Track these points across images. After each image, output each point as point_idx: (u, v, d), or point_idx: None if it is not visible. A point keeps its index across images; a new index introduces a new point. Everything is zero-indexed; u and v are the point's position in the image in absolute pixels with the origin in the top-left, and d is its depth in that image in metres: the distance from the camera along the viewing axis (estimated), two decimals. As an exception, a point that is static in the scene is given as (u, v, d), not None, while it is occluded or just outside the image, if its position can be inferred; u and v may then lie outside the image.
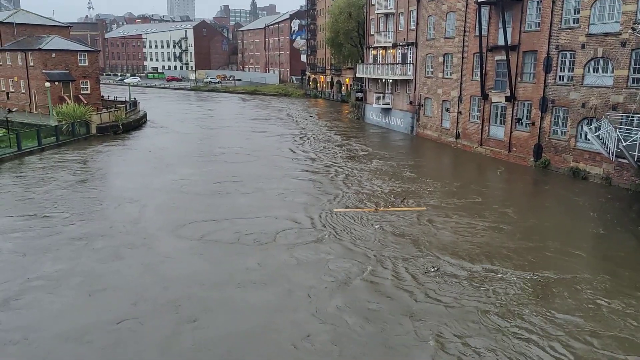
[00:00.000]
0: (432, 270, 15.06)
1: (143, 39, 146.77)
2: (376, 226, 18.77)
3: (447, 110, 38.30)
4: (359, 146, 37.39)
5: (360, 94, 55.66)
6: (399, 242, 17.36)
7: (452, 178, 28.27)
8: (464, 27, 35.34)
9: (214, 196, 23.25)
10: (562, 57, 27.67)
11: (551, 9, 27.79)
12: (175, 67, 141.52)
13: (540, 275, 14.85)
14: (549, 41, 28.11)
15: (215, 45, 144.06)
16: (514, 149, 31.49)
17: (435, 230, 18.62)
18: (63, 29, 57.02)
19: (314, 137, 41.34)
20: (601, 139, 21.06)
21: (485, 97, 33.44)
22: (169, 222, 19.38)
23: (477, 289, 13.97)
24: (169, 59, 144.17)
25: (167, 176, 26.95)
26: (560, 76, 27.93)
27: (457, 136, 37.11)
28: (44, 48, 48.10)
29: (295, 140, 39.31)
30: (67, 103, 44.20)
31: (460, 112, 36.55)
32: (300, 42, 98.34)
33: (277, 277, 14.65)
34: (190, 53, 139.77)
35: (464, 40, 35.52)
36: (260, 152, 34.30)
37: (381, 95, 48.77)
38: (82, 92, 50.04)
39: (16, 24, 53.68)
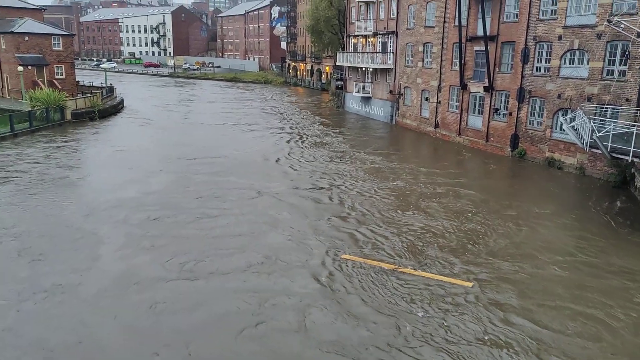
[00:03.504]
0: None
1: (119, 23, 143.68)
2: (420, 314, 12.56)
3: (427, 99, 38.53)
4: (341, 140, 36.27)
5: (340, 83, 55.59)
6: None
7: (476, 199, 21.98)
8: (444, 17, 35.48)
9: (197, 232, 17.76)
10: (539, 48, 28.02)
11: (529, 0, 28.08)
12: (153, 53, 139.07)
13: None
14: (526, 32, 28.42)
15: (194, 31, 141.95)
16: (492, 138, 31.89)
17: (530, 332, 11.86)
18: (36, 12, 55.29)
19: (297, 132, 39.53)
20: (576, 130, 21.45)
21: (464, 87, 33.71)
22: (133, 277, 14.35)
23: None
24: (146, 45, 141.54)
25: (140, 189, 22.75)
26: (537, 67, 28.30)
27: (436, 125, 37.39)
28: (16, 31, 46.70)
29: (280, 138, 36.34)
30: (41, 88, 43.12)
31: (439, 102, 36.81)
32: (280, 30, 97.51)
33: None
34: (169, 39, 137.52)
35: (443, 30, 35.68)
36: (243, 156, 30.19)
37: (361, 84, 48.78)
38: (56, 76, 48.86)
39: (-13, 5, 52.00)
